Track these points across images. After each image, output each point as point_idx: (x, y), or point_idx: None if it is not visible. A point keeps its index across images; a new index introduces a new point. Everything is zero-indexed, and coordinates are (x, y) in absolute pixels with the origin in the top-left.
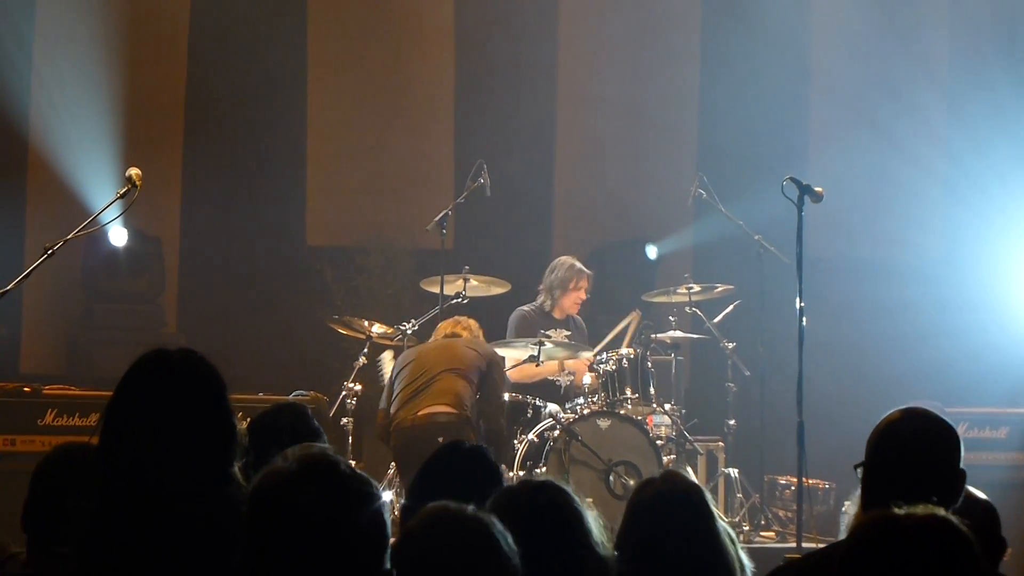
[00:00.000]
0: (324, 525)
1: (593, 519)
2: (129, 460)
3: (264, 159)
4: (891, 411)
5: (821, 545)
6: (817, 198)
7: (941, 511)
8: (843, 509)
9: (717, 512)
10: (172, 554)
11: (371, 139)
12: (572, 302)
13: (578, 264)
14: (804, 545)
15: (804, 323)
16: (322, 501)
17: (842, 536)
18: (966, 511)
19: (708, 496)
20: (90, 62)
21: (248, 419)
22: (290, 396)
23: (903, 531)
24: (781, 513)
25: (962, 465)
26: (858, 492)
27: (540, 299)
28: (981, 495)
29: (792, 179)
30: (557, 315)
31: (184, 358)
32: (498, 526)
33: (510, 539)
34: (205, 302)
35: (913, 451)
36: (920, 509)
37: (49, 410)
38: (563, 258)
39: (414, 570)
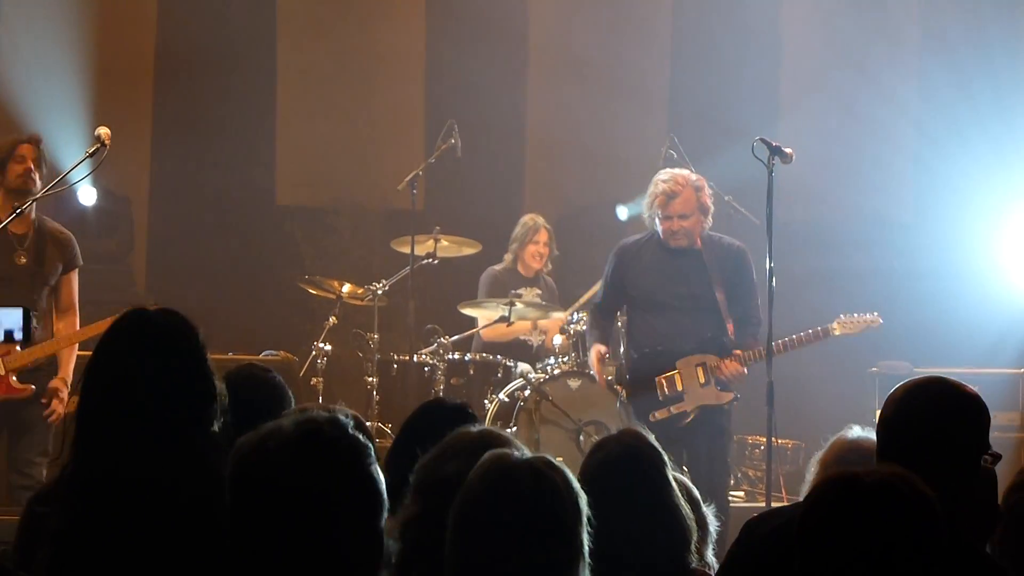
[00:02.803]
0: (313, 488)
1: None
2: (109, 418)
3: (233, 118)
4: (905, 380)
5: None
6: (787, 159)
7: (902, 470)
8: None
9: (676, 473)
10: (152, 514)
11: (341, 99)
12: (531, 255)
13: (537, 219)
14: (773, 504)
15: (774, 284)
16: (311, 464)
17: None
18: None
19: (665, 458)
20: (59, 20)
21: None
22: (260, 356)
23: (862, 490)
24: (750, 472)
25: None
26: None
27: (507, 257)
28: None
29: (762, 140)
30: (523, 272)
31: (165, 317)
32: None
33: None
34: (174, 262)
35: (928, 423)
36: (882, 468)
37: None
38: (525, 215)
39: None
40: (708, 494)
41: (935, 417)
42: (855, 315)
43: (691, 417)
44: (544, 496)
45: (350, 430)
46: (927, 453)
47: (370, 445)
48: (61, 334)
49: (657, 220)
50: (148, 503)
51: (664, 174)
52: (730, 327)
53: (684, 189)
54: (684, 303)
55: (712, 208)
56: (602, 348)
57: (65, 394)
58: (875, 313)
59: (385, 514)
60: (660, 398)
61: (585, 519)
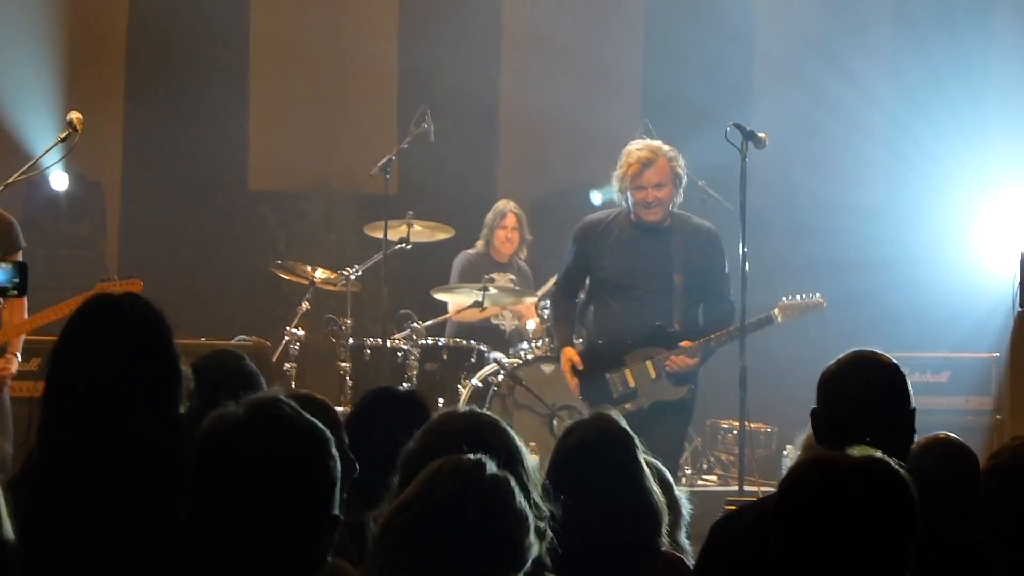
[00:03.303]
0: (269, 469)
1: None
2: (75, 403)
3: (206, 104)
4: (839, 355)
5: (764, 489)
6: (760, 144)
7: (878, 453)
8: (784, 453)
9: (648, 457)
10: (118, 499)
11: (314, 84)
12: (501, 240)
13: (508, 204)
14: (746, 488)
15: (747, 268)
16: (267, 445)
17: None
18: (939, 456)
19: (637, 442)
20: (30, 5)
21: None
22: (232, 341)
23: (837, 473)
24: (723, 457)
25: (912, 404)
26: (801, 437)
27: (479, 243)
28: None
29: (736, 125)
30: (495, 256)
31: (131, 302)
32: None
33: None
34: (146, 247)
35: (857, 394)
36: (856, 451)
37: None
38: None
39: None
40: None
41: (870, 393)
42: (797, 297)
43: (645, 409)
44: (491, 501)
45: (299, 409)
46: (873, 428)
47: (320, 425)
48: (9, 316)
49: (629, 193)
50: (113, 488)
51: (637, 143)
52: (677, 320)
53: (659, 157)
54: (649, 284)
55: (684, 180)
56: (573, 354)
57: (13, 367)
58: (817, 294)
59: (337, 494)
60: (615, 395)
61: (532, 530)
